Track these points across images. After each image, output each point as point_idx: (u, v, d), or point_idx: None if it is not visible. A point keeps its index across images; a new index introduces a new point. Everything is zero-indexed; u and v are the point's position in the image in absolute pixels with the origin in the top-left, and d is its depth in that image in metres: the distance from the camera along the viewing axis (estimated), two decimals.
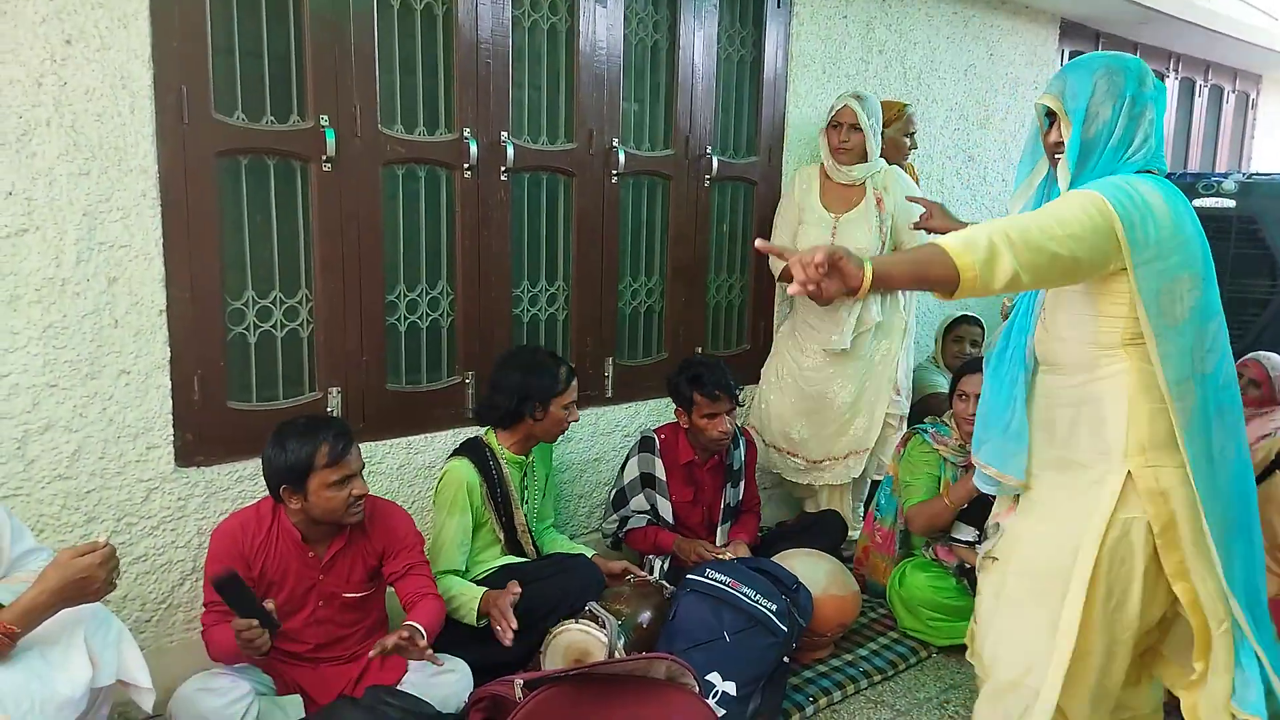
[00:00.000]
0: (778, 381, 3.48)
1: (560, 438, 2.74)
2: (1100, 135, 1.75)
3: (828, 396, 3.38)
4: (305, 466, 2.08)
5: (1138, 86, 1.75)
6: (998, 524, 1.98)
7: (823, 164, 3.37)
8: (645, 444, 3.04)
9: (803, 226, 3.32)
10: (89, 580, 1.62)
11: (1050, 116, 1.82)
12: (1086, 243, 1.59)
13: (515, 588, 2.35)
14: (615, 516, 3.03)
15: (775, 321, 3.74)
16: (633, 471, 3.02)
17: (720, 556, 2.82)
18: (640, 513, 2.99)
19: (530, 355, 2.72)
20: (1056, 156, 1.81)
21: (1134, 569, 1.73)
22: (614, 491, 3.08)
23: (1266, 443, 3.33)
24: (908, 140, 3.60)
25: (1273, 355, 3.51)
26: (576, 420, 2.71)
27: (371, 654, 2.03)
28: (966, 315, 3.99)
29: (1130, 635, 1.77)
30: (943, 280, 1.53)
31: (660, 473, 3.00)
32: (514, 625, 2.30)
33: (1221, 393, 1.74)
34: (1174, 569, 1.72)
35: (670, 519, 2.99)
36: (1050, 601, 1.77)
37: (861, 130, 3.22)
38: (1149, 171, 1.74)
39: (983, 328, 4.01)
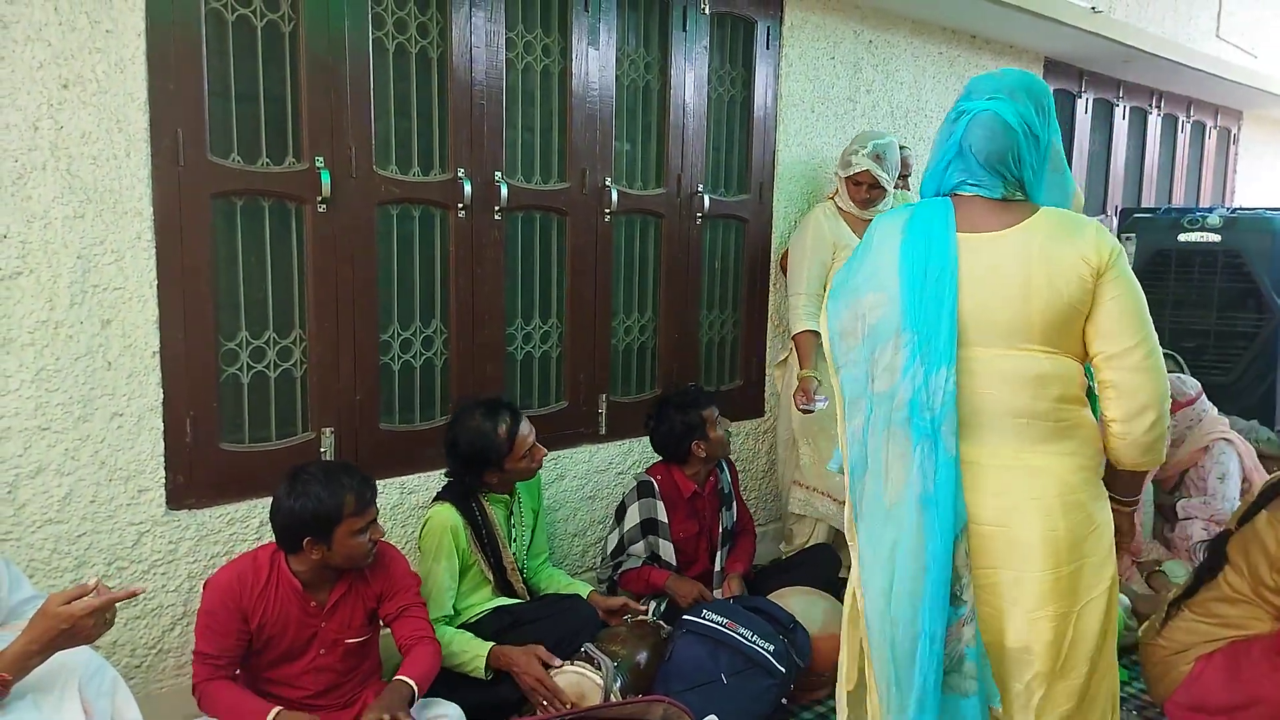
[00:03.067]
0: (824, 430, 3.30)
1: (557, 477, 2.72)
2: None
3: None
4: (334, 516, 2.04)
5: (957, 102, 1.79)
6: None
7: (838, 201, 3.36)
8: (644, 489, 3.00)
9: (841, 261, 3.24)
10: (76, 629, 1.59)
11: None
12: None
13: (554, 660, 2.37)
14: (612, 565, 3.00)
15: (768, 359, 3.75)
16: (633, 519, 2.97)
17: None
18: (636, 556, 2.96)
19: (468, 421, 2.54)
20: None
21: None
22: (614, 541, 3.00)
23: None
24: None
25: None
26: (543, 455, 2.64)
27: None
28: None
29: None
30: None
31: (662, 516, 2.97)
32: (567, 702, 2.31)
33: (896, 413, 1.67)
34: None
35: (672, 560, 2.96)
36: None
37: (881, 188, 3.25)
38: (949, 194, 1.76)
39: None
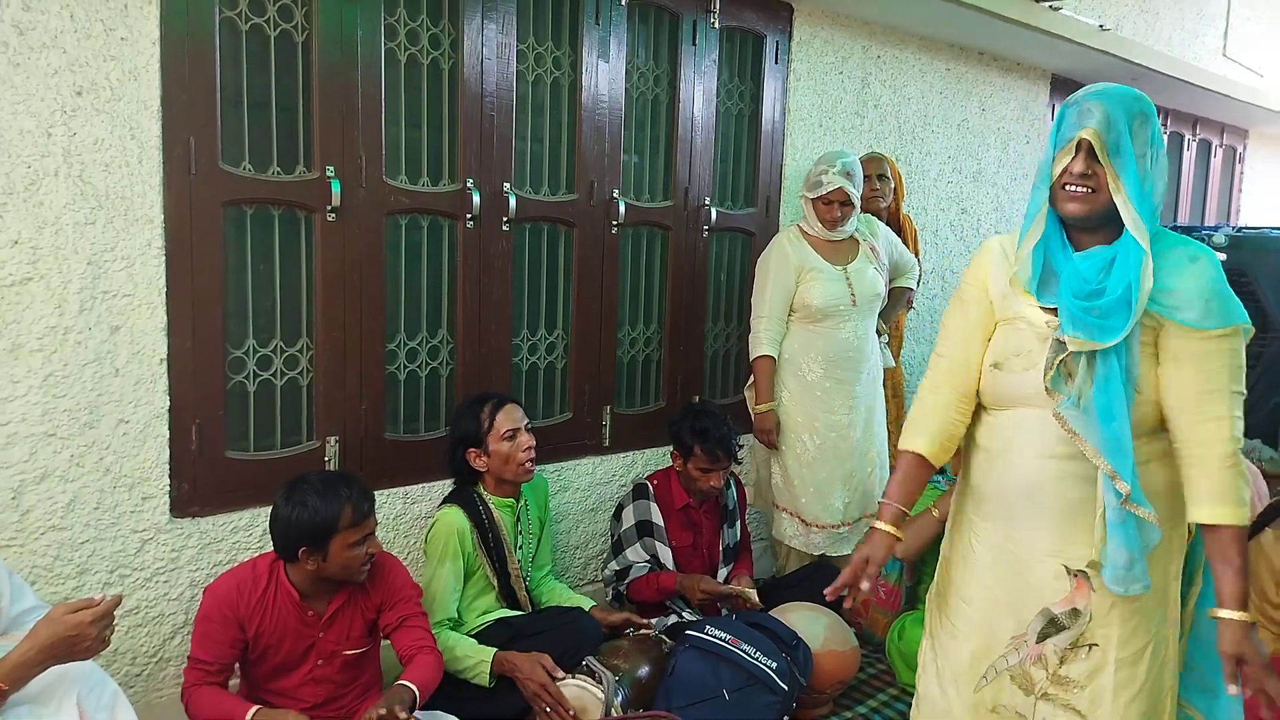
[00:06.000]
0: (813, 454, 3.23)
1: (560, 489, 2.71)
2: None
3: (854, 442, 3.27)
4: (329, 527, 2.03)
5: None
6: (1075, 609, 1.72)
7: (803, 226, 3.29)
8: (639, 491, 3.03)
9: (812, 284, 3.19)
10: (80, 638, 1.58)
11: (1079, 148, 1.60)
12: None
13: (558, 670, 2.36)
14: (615, 564, 2.99)
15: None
16: (629, 520, 3.00)
17: (727, 590, 2.87)
18: (640, 563, 2.96)
19: (462, 404, 2.69)
20: (1083, 190, 1.60)
21: None
22: (612, 539, 3.06)
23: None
24: (863, 184, 3.52)
25: None
26: (529, 444, 2.60)
27: None
28: None
29: None
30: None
31: (657, 518, 2.98)
32: (570, 711, 2.31)
33: None
34: None
35: (671, 566, 2.97)
36: (1158, 676, 1.73)
37: (852, 204, 3.20)
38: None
39: None
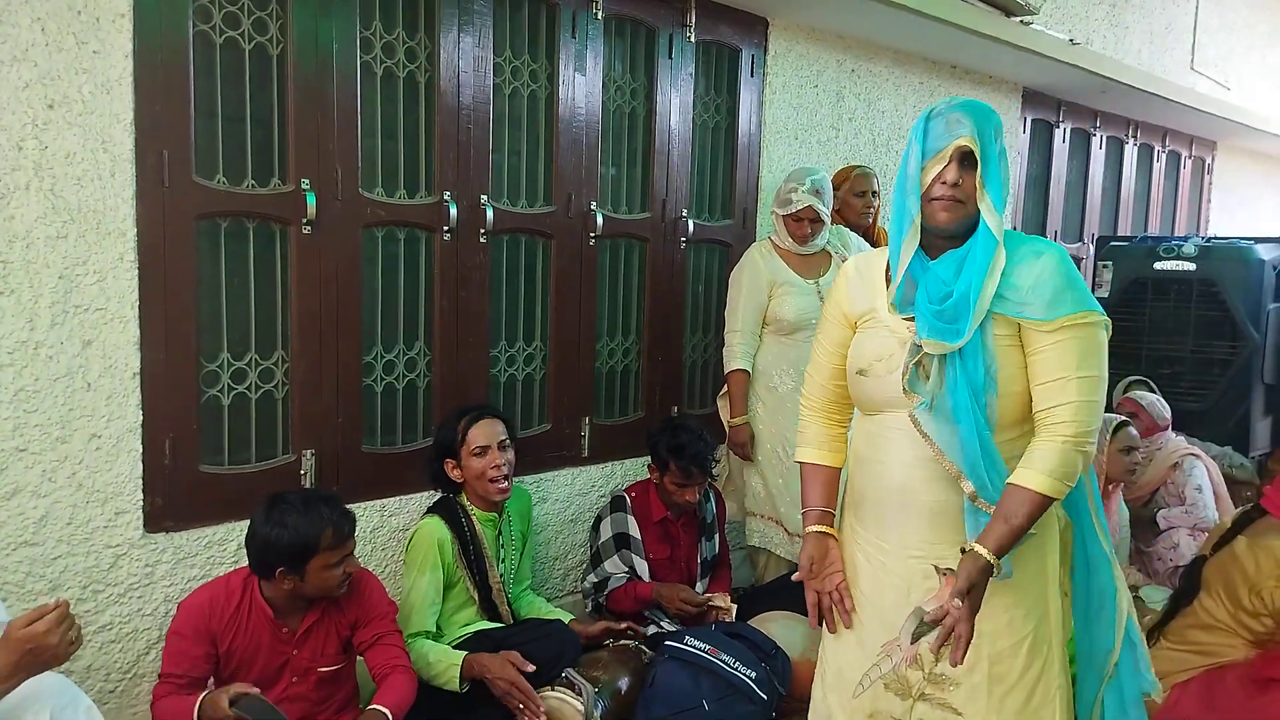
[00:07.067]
0: (789, 465, 3.18)
1: (539, 500, 2.70)
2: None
3: None
4: (310, 549, 2.01)
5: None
6: (925, 613, 1.72)
7: (774, 240, 3.30)
8: (617, 504, 3.03)
9: (784, 298, 3.20)
10: (41, 649, 1.55)
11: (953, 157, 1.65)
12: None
13: (527, 665, 2.33)
14: (593, 576, 2.99)
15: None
16: (606, 533, 3.00)
17: (708, 602, 2.87)
18: (619, 574, 2.96)
19: (442, 419, 2.70)
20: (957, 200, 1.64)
21: None
22: (590, 551, 3.06)
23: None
24: (858, 200, 3.58)
25: (1144, 393, 3.83)
26: (499, 462, 2.56)
27: None
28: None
29: None
30: (1041, 510, 1.60)
31: (635, 531, 2.98)
32: (540, 706, 2.28)
33: None
34: None
35: (648, 579, 2.97)
36: (1039, 674, 1.73)
37: (822, 221, 3.21)
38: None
39: None
